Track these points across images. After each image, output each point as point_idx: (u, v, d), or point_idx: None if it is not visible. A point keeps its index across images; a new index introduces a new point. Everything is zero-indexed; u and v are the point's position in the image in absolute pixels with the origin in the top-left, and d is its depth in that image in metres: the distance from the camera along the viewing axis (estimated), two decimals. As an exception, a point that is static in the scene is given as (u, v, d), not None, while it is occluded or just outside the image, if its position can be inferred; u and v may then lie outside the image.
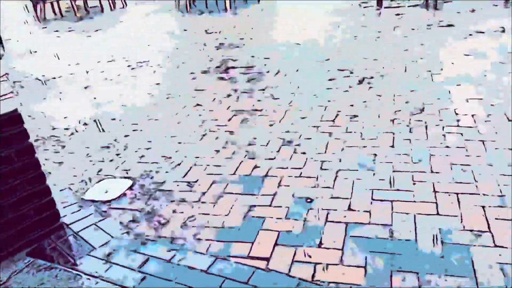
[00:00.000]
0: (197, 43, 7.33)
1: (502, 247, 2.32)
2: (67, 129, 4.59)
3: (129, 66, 6.56)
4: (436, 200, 2.76)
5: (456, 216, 2.60)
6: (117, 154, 3.89)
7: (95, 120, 4.71)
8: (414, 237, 2.47)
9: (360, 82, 4.75)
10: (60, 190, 3.38)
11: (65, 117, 4.91)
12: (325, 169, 3.24)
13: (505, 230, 2.44)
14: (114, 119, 4.69)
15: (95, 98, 5.41)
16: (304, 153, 3.51)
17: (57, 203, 3.14)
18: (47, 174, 3.69)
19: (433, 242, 2.41)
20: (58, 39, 8.95)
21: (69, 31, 9.62)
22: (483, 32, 6.02)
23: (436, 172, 3.04)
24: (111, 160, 3.80)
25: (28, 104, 5.49)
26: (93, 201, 3.19)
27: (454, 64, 5.00)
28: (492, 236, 2.40)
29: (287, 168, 3.33)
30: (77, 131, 4.50)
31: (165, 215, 2.94)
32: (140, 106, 4.96)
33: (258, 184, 3.17)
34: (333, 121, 4.00)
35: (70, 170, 3.72)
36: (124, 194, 3.24)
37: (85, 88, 5.84)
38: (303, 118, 4.13)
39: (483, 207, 2.64)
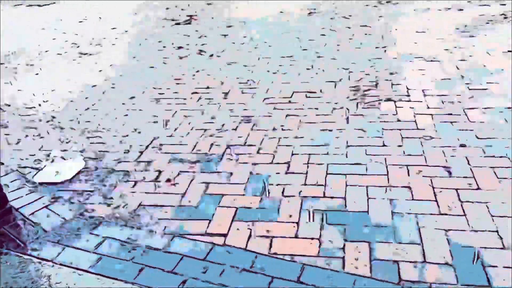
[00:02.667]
0: (159, 19, 7.11)
1: (446, 214, 2.45)
2: (15, 109, 4.37)
3: (79, 46, 6.27)
4: (387, 172, 2.86)
5: (405, 187, 2.71)
6: (69, 134, 3.75)
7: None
8: (367, 209, 2.56)
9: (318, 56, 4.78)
10: (8, 173, 3.23)
11: (12, 97, 4.66)
12: (282, 145, 3.27)
13: (450, 199, 2.57)
14: (65, 98, 4.50)
15: (45, 76, 5.16)
16: (261, 129, 3.52)
17: (5, 187, 3.00)
18: (-7, 157, 3.51)
19: (384, 213, 2.51)
20: (4, 14, 8.40)
21: (17, 5, 9.05)
22: (429, 8, 6.19)
23: (388, 146, 3.14)
24: (63, 141, 3.66)
25: (-30, 84, 5.16)
26: (44, 183, 3.08)
27: (407, 41, 5.13)
28: (438, 205, 2.53)
29: (244, 145, 3.33)
30: (26, 112, 4.29)
31: (120, 196, 2.88)
32: (94, 85, 4.78)
33: (215, 161, 3.16)
34: (290, 97, 4.03)
35: (18, 152, 3.55)
36: (77, 176, 3.14)
37: (35, 66, 5.55)
38: (261, 94, 4.13)
39: (431, 178, 2.77)
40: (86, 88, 4.71)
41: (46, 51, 6.04)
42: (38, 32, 7.02)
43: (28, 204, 2.86)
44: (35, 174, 3.19)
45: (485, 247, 2.21)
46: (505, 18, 5.59)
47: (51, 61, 5.65)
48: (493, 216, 2.41)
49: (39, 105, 4.40)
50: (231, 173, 3.00)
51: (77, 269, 2.30)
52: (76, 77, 5.03)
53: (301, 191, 2.76)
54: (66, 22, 7.41)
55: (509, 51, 4.56)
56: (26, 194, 2.96)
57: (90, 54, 5.76)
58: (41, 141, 3.70)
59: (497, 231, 2.30)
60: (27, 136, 3.81)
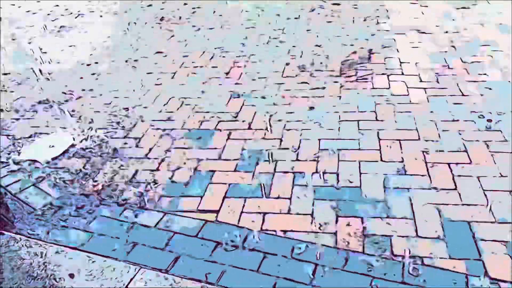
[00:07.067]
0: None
1: (438, 189, 2.45)
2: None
3: (59, 19, 6.07)
4: (380, 147, 2.84)
5: (398, 161, 2.69)
6: (58, 110, 3.66)
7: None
8: (359, 184, 2.54)
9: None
10: (-6, 151, 3.17)
11: (-5, 73, 4.52)
12: (274, 121, 3.23)
13: (442, 173, 2.56)
14: (53, 73, 4.38)
15: (31, 50, 5.01)
16: (253, 105, 3.47)
17: (-9, 165, 2.94)
18: (-22, 134, 3.42)
19: (377, 188, 2.50)
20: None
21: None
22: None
23: (381, 120, 3.11)
24: (51, 117, 3.58)
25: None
26: (31, 160, 3.01)
27: (400, 13, 5.04)
28: (430, 179, 2.53)
29: (236, 121, 3.28)
30: (12, 88, 4.17)
31: (110, 173, 2.84)
32: (82, 60, 4.65)
33: (206, 137, 3.11)
34: (282, 72, 3.96)
35: (5, 129, 3.46)
36: (65, 153, 3.08)
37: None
38: (252, 69, 4.05)
39: (423, 152, 2.75)
40: (71, 63, 4.58)
41: (29, 24, 5.85)
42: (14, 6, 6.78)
43: (16, 182, 2.80)
44: (23, 152, 3.12)
45: (476, 221, 2.22)
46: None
47: (32, 35, 5.47)
48: (485, 190, 2.41)
49: (27, 78, 4.27)
50: (223, 149, 2.96)
51: (68, 247, 2.28)
52: (62, 52, 4.88)
53: (293, 167, 2.73)
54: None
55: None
56: (14, 171, 2.90)
57: (72, 28, 5.59)
58: (28, 119, 3.60)
59: (488, 205, 2.31)
60: (11, 112, 3.71)
